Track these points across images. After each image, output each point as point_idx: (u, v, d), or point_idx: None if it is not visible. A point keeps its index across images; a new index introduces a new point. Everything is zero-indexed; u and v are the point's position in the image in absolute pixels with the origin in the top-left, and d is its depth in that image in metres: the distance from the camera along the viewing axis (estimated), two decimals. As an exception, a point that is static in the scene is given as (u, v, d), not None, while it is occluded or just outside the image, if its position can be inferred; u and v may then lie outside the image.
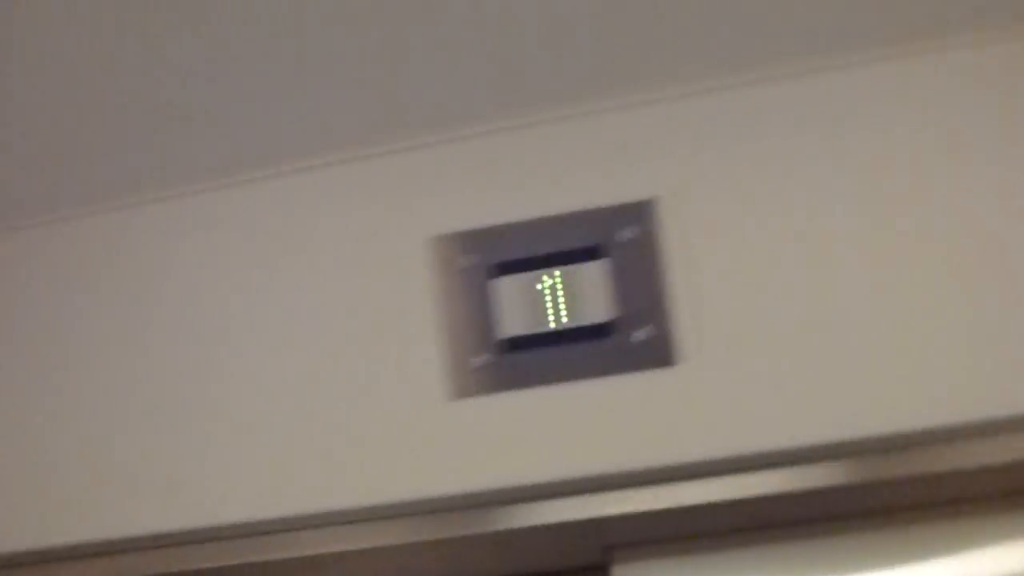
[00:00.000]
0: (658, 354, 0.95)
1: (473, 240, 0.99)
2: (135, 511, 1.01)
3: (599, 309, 0.96)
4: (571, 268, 0.97)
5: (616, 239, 0.97)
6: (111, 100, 0.96)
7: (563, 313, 0.97)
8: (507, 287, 0.98)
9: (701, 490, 0.96)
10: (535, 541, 1.02)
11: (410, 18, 0.89)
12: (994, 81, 0.97)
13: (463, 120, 1.01)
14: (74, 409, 1.05)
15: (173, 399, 1.03)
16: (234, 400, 1.02)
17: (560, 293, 0.97)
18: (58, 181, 1.07)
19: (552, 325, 0.97)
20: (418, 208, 1.01)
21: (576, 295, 0.97)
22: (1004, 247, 0.94)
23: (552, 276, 0.97)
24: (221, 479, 1.00)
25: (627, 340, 0.96)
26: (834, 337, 0.94)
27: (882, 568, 1.00)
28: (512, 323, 0.97)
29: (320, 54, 0.94)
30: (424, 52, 0.94)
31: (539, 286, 0.97)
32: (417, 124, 1.02)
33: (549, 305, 0.97)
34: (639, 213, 0.97)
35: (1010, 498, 1.00)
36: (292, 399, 1.01)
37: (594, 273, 0.97)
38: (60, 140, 1.01)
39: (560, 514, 0.97)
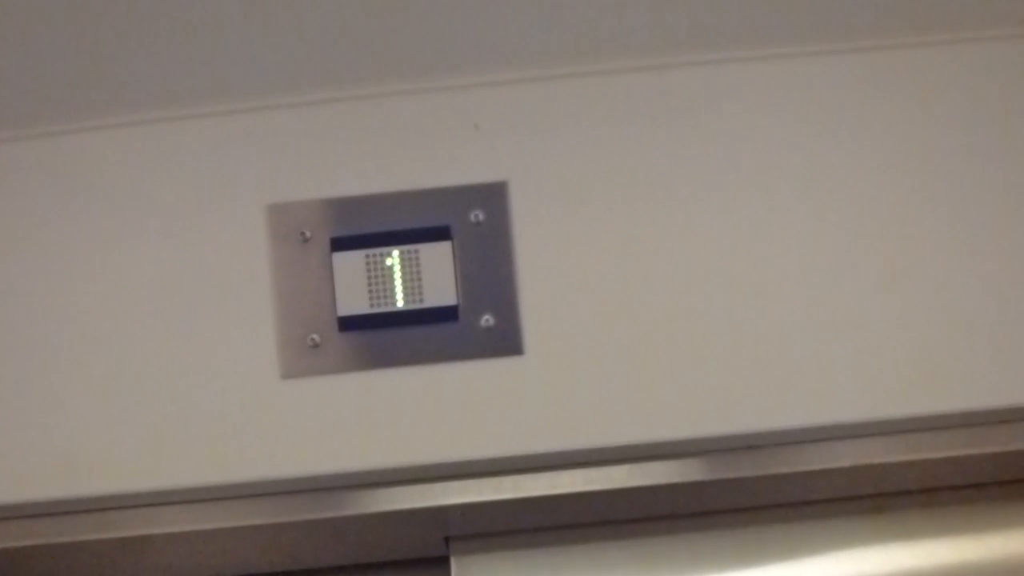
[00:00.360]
0: (504, 341, 0.93)
1: (315, 211, 0.94)
2: None
3: (445, 292, 0.93)
4: (417, 247, 0.93)
5: (464, 220, 0.94)
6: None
7: (406, 293, 0.93)
8: (349, 263, 0.94)
9: (545, 482, 0.95)
10: (373, 529, 0.99)
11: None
12: (850, 77, 0.98)
13: (316, 84, 0.96)
14: None
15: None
16: (50, 369, 0.95)
17: (404, 273, 0.93)
18: None
19: (395, 305, 0.93)
20: (260, 173, 0.96)
21: (421, 276, 0.93)
22: (861, 247, 0.94)
23: (395, 254, 0.93)
24: (35, 454, 0.94)
25: (473, 325, 0.93)
26: (680, 333, 0.94)
27: (722, 568, 1.01)
28: (352, 301, 0.93)
29: (170, 3, 0.87)
30: (278, 11, 0.88)
31: (383, 264, 0.94)
32: (267, 85, 0.96)
33: (392, 284, 0.93)
34: (490, 195, 0.94)
35: (853, 502, 1.01)
36: (114, 372, 0.95)
37: (441, 254, 0.94)
38: None
39: (399, 502, 0.95)
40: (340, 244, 0.93)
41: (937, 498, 1.02)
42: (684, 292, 0.94)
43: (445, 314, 0.93)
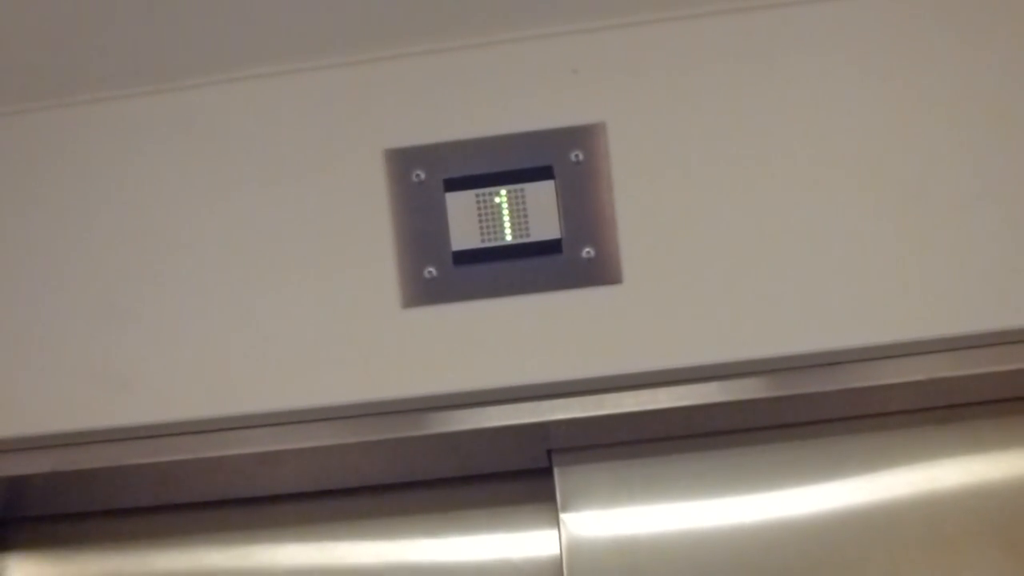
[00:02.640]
0: (604, 271, 1.04)
1: (427, 155, 1.06)
2: (86, 406, 1.08)
3: (549, 226, 1.05)
4: (523, 186, 1.05)
5: (566, 160, 1.05)
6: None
7: (514, 229, 1.05)
8: (460, 202, 1.05)
9: (640, 399, 1.06)
10: (484, 443, 1.12)
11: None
12: (922, 24, 1.06)
13: (424, 36, 1.07)
14: (25, 304, 1.11)
15: (128, 299, 1.09)
16: (189, 301, 1.08)
17: (511, 210, 1.05)
18: (12, 75, 1.11)
19: (503, 240, 1.05)
20: (374, 121, 1.08)
21: (526, 212, 1.05)
22: (927, 181, 1.04)
23: (503, 193, 1.05)
24: (177, 378, 1.08)
25: (575, 257, 1.05)
26: (766, 260, 1.03)
27: (802, 476, 1.12)
28: (464, 237, 1.05)
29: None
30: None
31: (490, 202, 1.06)
32: (377, 37, 1.07)
33: (500, 220, 1.05)
34: (589, 136, 1.05)
35: (926, 413, 1.12)
36: (249, 303, 1.08)
37: (545, 192, 1.05)
38: (11, 33, 1.05)
39: (507, 418, 1.07)
40: (452, 185, 1.05)
41: (1005, 409, 1.12)
42: (768, 222, 1.04)
43: (549, 247, 1.05)
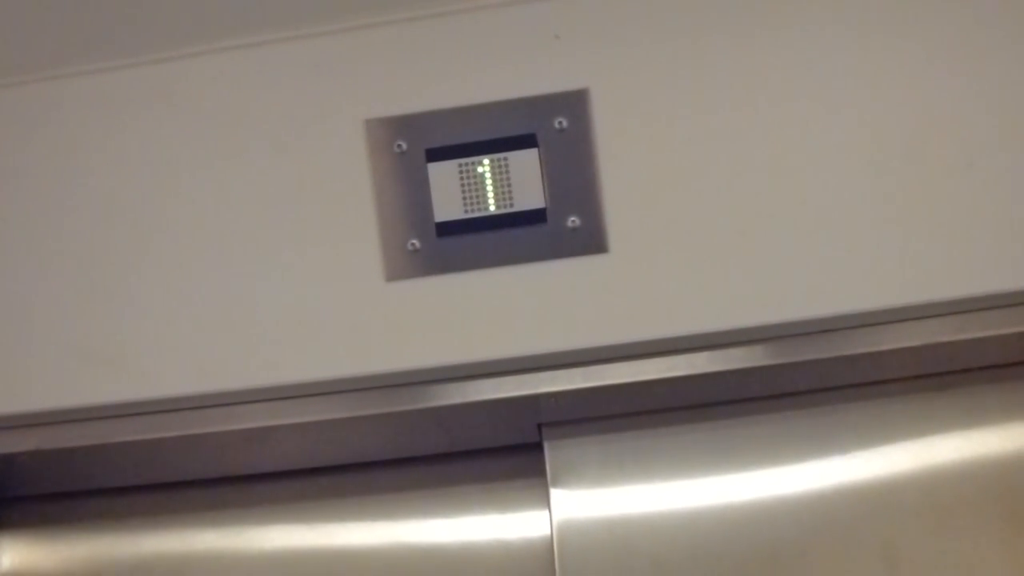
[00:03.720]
0: (589, 240, 1.04)
1: (408, 124, 1.06)
2: (71, 383, 1.09)
3: (533, 196, 1.05)
4: (505, 155, 1.05)
5: (549, 128, 1.05)
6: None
7: (497, 199, 1.05)
8: (443, 172, 1.06)
9: (631, 370, 1.07)
10: (472, 418, 1.12)
11: None
12: None
13: (402, 3, 1.07)
14: (8, 282, 1.12)
15: (111, 274, 1.10)
16: (174, 277, 1.09)
17: (494, 179, 1.05)
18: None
19: (487, 210, 1.05)
20: (354, 91, 1.08)
21: (510, 182, 1.05)
22: (921, 139, 1.03)
23: (486, 162, 1.05)
24: (162, 354, 1.09)
25: (560, 226, 1.05)
26: (756, 226, 1.04)
27: (798, 447, 1.12)
28: (447, 207, 1.06)
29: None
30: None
31: (473, 172, 1.06)
32: (354, 6, 1.07)
33: (483, 190, 1.05)
34: (572, 103, 1.04)
35: (925, 379, 1.12)
36: (231, 277, 1.09)
37: (528, 160, 1.05)
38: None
39: (496, 391, 1.08)
40: (434, 155, 1.06)
41: (1006, 374, 1.11)
42: (756, 187, 1.04)
43: (534, 217, 1.05)
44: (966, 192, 1.03)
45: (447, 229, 1.06)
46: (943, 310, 1.05)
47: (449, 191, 1.06)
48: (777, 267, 1.04)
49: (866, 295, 1.04)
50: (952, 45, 1.05)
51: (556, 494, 1.13)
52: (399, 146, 1.06)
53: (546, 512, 1.13)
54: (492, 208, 1.05)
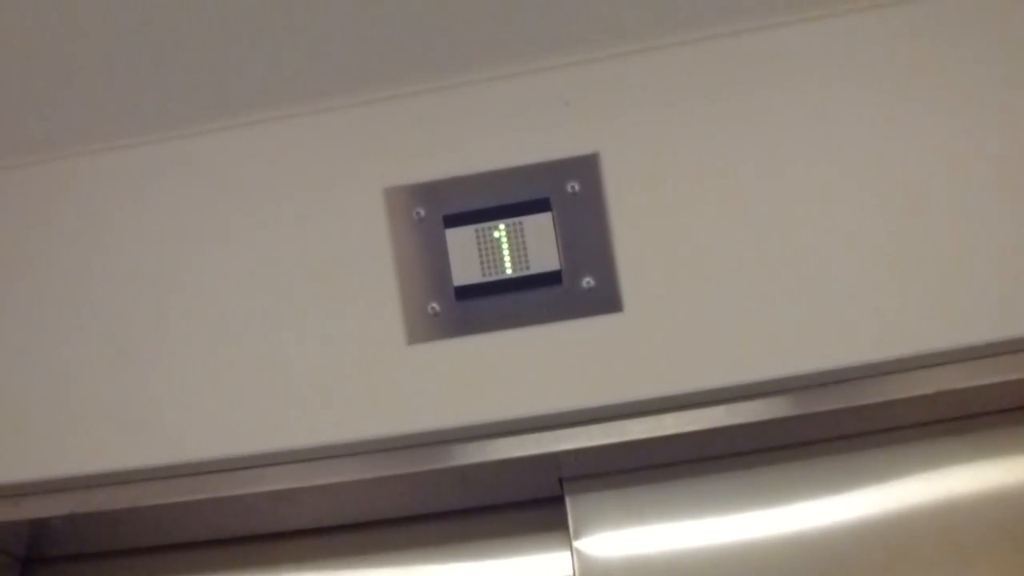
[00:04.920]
0: (604, 300, 1.08)
1: (426, 192, 1.11)
2: (107, 447, 1.13)
3: (548, 258, 1.09)
4: (520, 219, 1.09)
5: (562, 192, 1.09)
6: (61, 49, 1.07)
7: (514, 262, 1.09)
8: (460, 237, 1.10)
9: (648, 425, 1.10)
10: (495, 475, 1.15)
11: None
12: (915, 37, 1.10)
13: (417, 77, 1.12)
14: (44, 349, 1.16)
15: (142, 342, 1.15)
16: (201, 344, 1.14)
17: (510, 243, 1.09)
18: (26, 128, 1.17)
19: (504, 273, 1.09)
20: (374, 161, 1.12)
21: (525, 245, 1.09)
22: (927, 193, 1.07)
23: (502, 227, 1.09)
24: (192, 419, 1.13)
25: (575, 288, 1.09)
26: (767, 281, 1.07)
27: (815, 495, 1.15)
28: (465, 271, 1.10)
29: (276, 9, 1.04)
30: (378, 11, 1.04)
31: (490, 236, 1.10)
32: (372, 80, 1.12)
33: (500, 254, 1.09)
34: (583, 167, 1.09)
35: (934, 426, 1.14)
36: (257, 344, 1.13)
37: (543, 224, 1.09)
38: (14, 88, 1.11)
39: (517, 449, 1.11)
40: (452, 221, 1.10)
41: (1017, 417, 1.13)
42: (765, 243, 1.07)
43: (550, 279, 1.09)
44: (972, 242, 1.06)
45: (466, 292, 1.10)
46: (953, 358, 1.07)
47: (467, 256, 1.10)
48: (788, 321, 1.07)
49: (877, 346, 1.06)
50: (955, 97, 1.09)
51: (579, 546, 1.15)
52: (418, 213, 1.11)
53: (569, 564, 1.16)
54: (509, 271, 1.09)
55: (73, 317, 1.16)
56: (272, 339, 1.13)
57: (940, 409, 1.13)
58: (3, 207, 1.20)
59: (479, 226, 1.10)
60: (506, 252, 1.09)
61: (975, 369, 1.08)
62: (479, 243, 1.10)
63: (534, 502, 1.21)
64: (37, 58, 1.08)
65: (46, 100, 1.14)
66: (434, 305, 1.10)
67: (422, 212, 1.11)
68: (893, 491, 1.15)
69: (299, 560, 1.24)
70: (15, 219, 1.20)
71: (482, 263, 1.10)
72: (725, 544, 1.15)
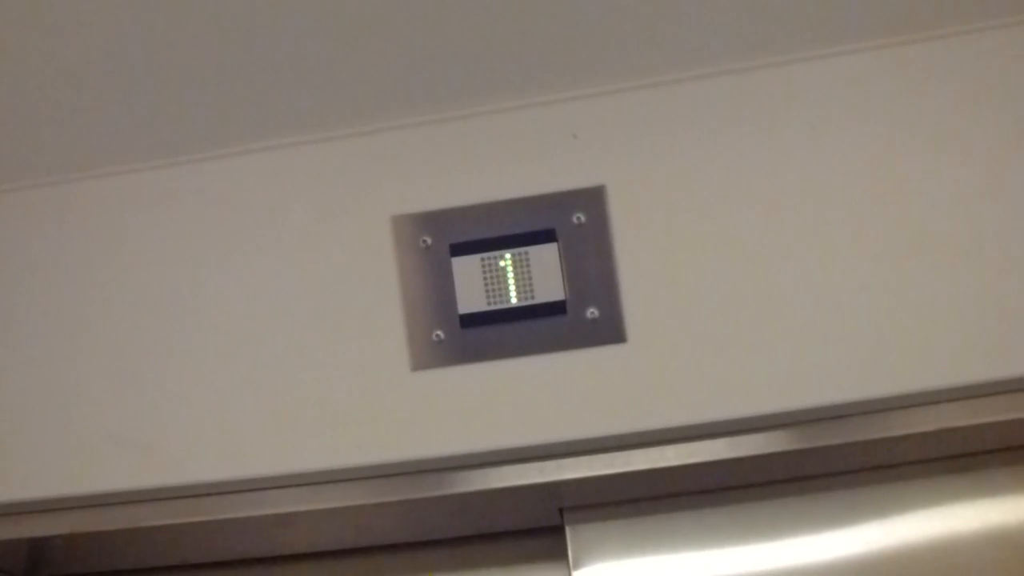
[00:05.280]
0: (608, 331, 1.09)
1: (433, 220, 1.12)
2: (108, 468, 1.13)
3: (553, 288, 1.10)
4: (526, 249, 1.10)
5: (568, 223, 1.10)
6: (74, 74, 1.08)
7: (519, 291, 1.10)
8: (466, 266, 1.11)
9: (650, 456, 1.10)
10: (496, 503, 1.16)
11: (375, 5, 1.01)
12: (913, 77, 1.11)
13: (426, 106, 1.13)
14: (44, 369, 1.17)
15: (145, 364, 1.15)
16: (205, 367, 1.14)
17: (516, 272, 1.10)
18: (37, 151, 1.19)
19: (509, 302, 1.10)
20: (382, 189, 1.14)
21: (531, 275, 1.10)
22: (930, 231, 1.08)
23: (508, 256, 1.11)
24: (194, 441, 1.13)
25: (580, 318, 1.10)
26: (771, 315, 1.08)
27: (815, 530, 1.15)
28: (470, 300, 1.11)
29: (287, 38, 1.05)
30: (388, 41, 1.06)
31: (495, 266, 1.11)
32: (380, 109, 1.13)
33: (505, 283, 1.10)
34: (589, 199, 1.10)
35: (936, 463, 1.15)
36: (261, 367, 1.13)
37: (548, 254, 1.11)
38: (26, 111, 1.13)
39: (518, 478, 1.11)
40: (458, 249, 1.11)
41: (1018, 456, 1.14)
42: (769, 277, 1.08)
43: (554, 308, 1.10)
44: (974, 281, 1.07)
45: (471, 321, 1.11)
46: (955, 396, 1.07)
47: (472, 284, 1.11)
48: (791, 355, 1.07)
49: (879, 382, 1.06)
50: (956, 136, 1.10)
51: (578, 575, 1.16)
52: (424, 241, 1.12)
53: (568, 594, 1.16)
54: (514, 300, 1.10)
55: (77, 338, 1.18)
56: (276, 363, 1.14)
57: (941, 446, 1.14)
58: (12, 227, 1.21)
59: (485, 255, 1.11)
60: (511, 281, 1.11)
61: (977, 407, 1.08)
62: (485, 272, 1.11)
63: (534, 531, 1.22)
64: (50, 82, 1.09)
65: (56, 123, 1.15)
66: (439, 332, 1.11)
67: (428, 240, 1.12)
68: (894, 527, 1.15)
69: (298, 584, 1.25)
70: (23, 240, 1.21)
71: (487, 292, 1.11)
72: (725, 577, 1.15)
